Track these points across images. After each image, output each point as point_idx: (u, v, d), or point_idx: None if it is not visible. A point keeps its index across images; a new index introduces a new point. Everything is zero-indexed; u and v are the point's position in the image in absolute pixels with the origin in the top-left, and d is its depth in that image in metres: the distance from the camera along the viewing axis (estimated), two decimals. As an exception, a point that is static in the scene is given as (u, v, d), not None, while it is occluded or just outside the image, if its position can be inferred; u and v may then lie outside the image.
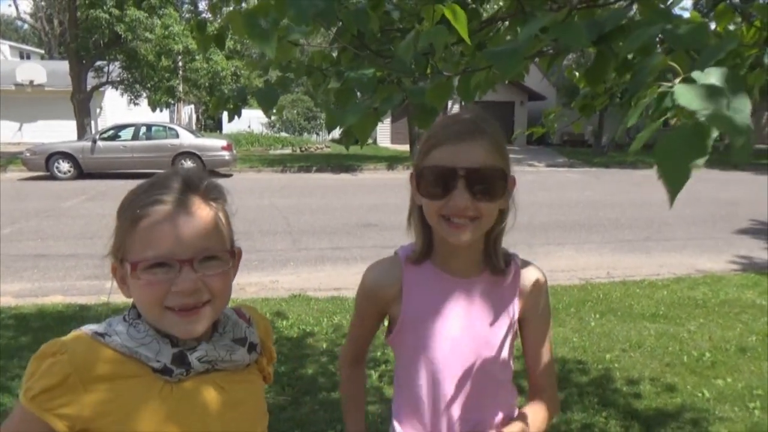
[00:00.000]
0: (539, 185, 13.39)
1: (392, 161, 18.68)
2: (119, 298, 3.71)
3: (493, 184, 1.06)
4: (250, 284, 5.62)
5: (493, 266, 1.18)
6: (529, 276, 1.23)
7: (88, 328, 0.90)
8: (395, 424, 1.25)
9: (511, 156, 1.13)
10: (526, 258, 1.25)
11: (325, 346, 4.07)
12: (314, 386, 3.43)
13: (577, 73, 2.74)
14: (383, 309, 1.23)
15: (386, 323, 1.29)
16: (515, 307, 1.21)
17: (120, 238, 0.90)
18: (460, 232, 1.07)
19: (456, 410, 1.18)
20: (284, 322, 4.51)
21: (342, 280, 5.93)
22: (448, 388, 1.18)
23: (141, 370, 0.87)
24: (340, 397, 1.43)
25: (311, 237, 7.99)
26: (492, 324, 1.19)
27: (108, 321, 0.93)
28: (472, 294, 1.18)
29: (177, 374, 0.88)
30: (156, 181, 0.93)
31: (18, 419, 0.88)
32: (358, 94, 1.63)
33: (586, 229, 8.74)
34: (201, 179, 0.93)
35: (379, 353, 3.92)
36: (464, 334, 1.17)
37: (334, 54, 2.05)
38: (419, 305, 1.17)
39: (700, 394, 3.37)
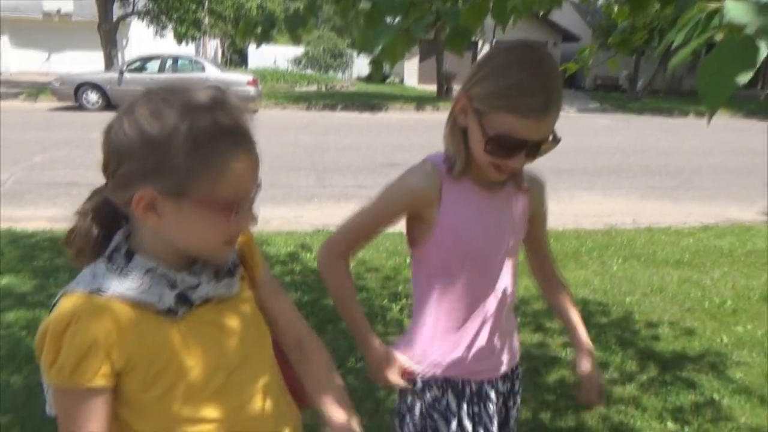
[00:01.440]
0: (569, 130, 13.04)
1: (420, 101, 18.35)
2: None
3: (547, 148, 1.15)
4: (275, 218, 5.70)
5: (516, 182, 1.27)
6: (535, 180, 1.33)
7: (80, 289, 0.85)
8: (421, 338, 1.31)
9: None
10: (551, 203, 1.36)
11: (347, 278, 4.15)
12: (336, 316, 3.52)
13: (616, 8, 2.62)
14: (416, 211, 1.24)
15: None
16: (527, 210, 1.32)
17: (178, 169, 0.82)
18: (502, 176, 1.19)
19: (491, 312, 1.29)
20: (308, 255, 4.60)
21: (365, 217, 5.98)
22: (484, 293, 1.28)
23: (145, 315, 0.86)
24: (336, 296, 1.37)
25: (335, 174, 8.01)
26: (515, 229, 1.31)
27: (89, 274, 0.87)
28: (499, 205, 1.27)
29: (181, 313, 0.88)
30: (220, 113, 0.84)
31: (66, 403, 0.86)
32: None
33: (615, 174, 8.59)
34: (244, 110, 0.90)
35: (401, 287, 4.00)
36: (496, 240, 1.27)
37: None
38: (457, 214, 1.22)
39: (719, 340, 3.38)
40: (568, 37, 25.56)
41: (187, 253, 0.90)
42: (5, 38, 25.15)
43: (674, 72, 24.12)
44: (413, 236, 1.30)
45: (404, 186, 1.24)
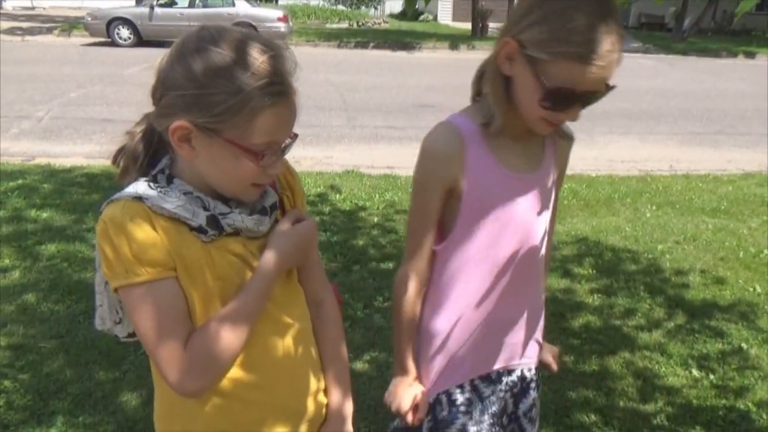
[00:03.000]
0: (608, 71, 12.56)
1: (454, 40, 17.78)
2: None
3: (601, 96, 1.05)
4: (305, 158, 5.70)
5: (559, 132, 1.19)
6: (565, 134, 1.23)
7: (124, 197, 0.89)
8: (438, 317, 1.22)
9: None
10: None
11: (376, 220, 4.17)
12: (364, 256, 3.57)
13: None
14: (450, 184, 1.12)
15: None
16: (551, 203, 1.25)
17: (215, 107, 0.85)
18: (550, 130, 1.11)
19: (513, 291, 1.22)
20: (338, 196, 4.62)
21: (395, 158, 5.94)
22: (508, 276, 1.19)
23: (180, 228, 0.90)
24: (397, 318, 1.23)
25: (366, 114, 7.92)
26: (540, 217, 1.20)
27: (131, 188, 0.91)
28: (526, 189, 1.17)
29: (210, 234, 0.92)
30: (264, 60, 0.86)
31: (143, 298, 0.88)
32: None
33: (654, 119, 8.29)
34: (291, 59, 0.92)
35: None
36: (522, 229, 1.18)
37: None
38: (482, 189, 1.13)
39: (751, 289, 3.33)
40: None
41: (218, 190, 0.94)
42: (37, -29, 25.02)
43: (726, 10, 22.74)
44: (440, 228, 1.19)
45: (424, 157, 1.14)
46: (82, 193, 4.38)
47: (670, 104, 9.39)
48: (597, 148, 6.39)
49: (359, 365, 2.52)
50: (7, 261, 3.27)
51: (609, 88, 1.04)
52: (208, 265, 0.92)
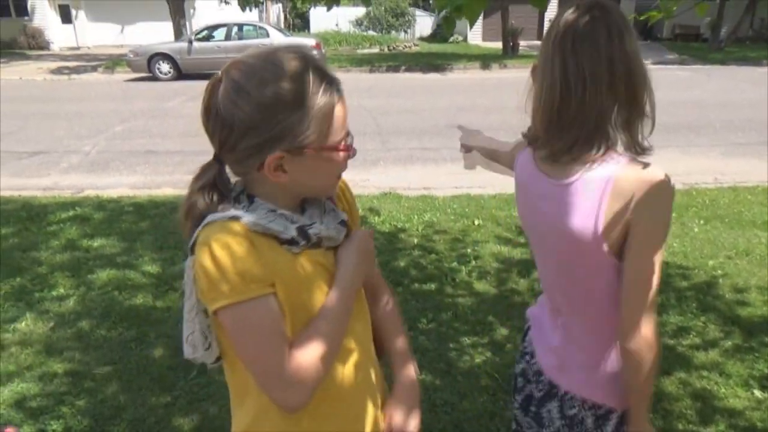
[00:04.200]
0: (644, 84, 12.36)
1: (485, 60, 17.83)
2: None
3: None
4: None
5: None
6: None
7: (216, 217, 0.91)
8: None
9: None
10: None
11: (416, 241, 4.17)
12: (406, 278, 3.57)
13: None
14: None
15: None
16: None
17: (297, 127, 0.89)
18: None
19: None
20: (377, 218, 4.65)
21: (431, 179, 5.95)
22: None
23: (272, 243, 0.94)
24: (651, 370, 1.07)
25: (400, 137, 7.97)
26: None
27: (220, 211, 0.92)
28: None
29: (301, 245, 0.96)
30: (307, 67, 0.91)
31: (246, 317, 0.89)
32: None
33: (693, 130, 8.10)
34: (320, 56, 0.98)
35: (469, 249, 3.99)
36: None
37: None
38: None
39: (812, 305, 3.19)
40: (644, -16, 23.98)
41: (307, 195, 1.01)
42: (82, 14, 26.25)
43: (764, 18, 22.21)
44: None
45: (671, 200, 1.07)
46: (131, 222, 4.52)
47: (709, 115, 9.17)
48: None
49: (406, 388, 2.50)
50: (62, 290, 3.38)
51: None
52: (300, 277, 0.95)
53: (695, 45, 21.51)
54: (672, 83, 12.77)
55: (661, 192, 0.99)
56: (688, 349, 2.78)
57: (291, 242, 0.95)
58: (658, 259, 1.01)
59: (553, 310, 1.25)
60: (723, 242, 4.11)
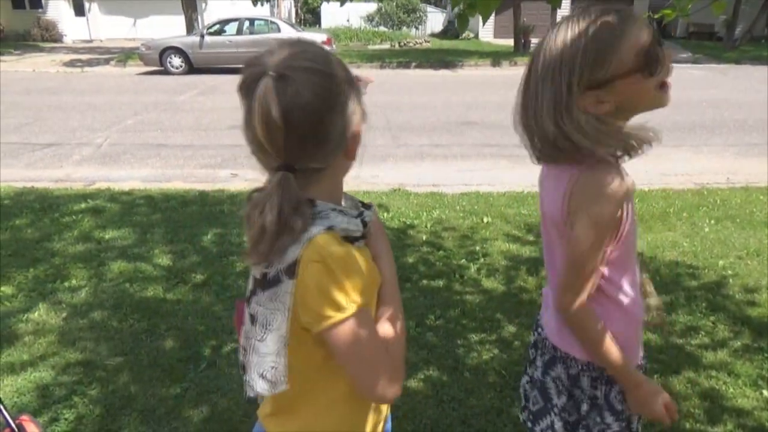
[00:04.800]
0: (656, 83, 12.25)
1: (496, 57, 17.76)
2: (233, 187, 3.95)
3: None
4: (352, 177, 5.74)
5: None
6: None
7: (320, 230, 0.89)
8: None
9: None
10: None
11: (425, 237, 4.18)
12: (415, 274, 3.58)
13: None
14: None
15: None
16: None
17: (336, 129, 0.92)
18: (667, 93, 1.15)
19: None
20: (386, 215, 4.66)
21: (441, 176, 5.95)
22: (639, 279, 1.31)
23: (348, 243, 0.95)
24: (595, 337, 1.21)
25: (410, 134, 7.97)
26: None
27: (320, 216, 0.92)
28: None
29: (361, 241, 0.99)
30: (339, 69, 0.94)
31: (364, 324, 0.91)
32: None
33: (707, 130, 8.04)
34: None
35: (477, 247, 3.99)
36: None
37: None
38: (629, 212, 1.18)
39: (823, 307, 3.16)
40: (658, -19, 23.72)
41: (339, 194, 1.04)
42: (95, 6, 26.40)
43: (780, 16, 21.88)
44: None
45: (618, 194, 1.15)
46: (143, 215, 4.56)
47: (723, 115, 9.09)
48: (649, 161, 6.17)
49: (413, 384, 2.52)
50: (74, 281, 3.42)
51: None
52: (371, 271, 0.98)
53: (709, 44, 21.29)
54: (686, 82, 12.66)
55: (598, 199, 1.09)
56: (697, 349, 2.77)
57: (359, 238, 0.97)
58: (590, 254, 1.14)
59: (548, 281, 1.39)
60: (734, 242, 4.09)
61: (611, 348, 1.21)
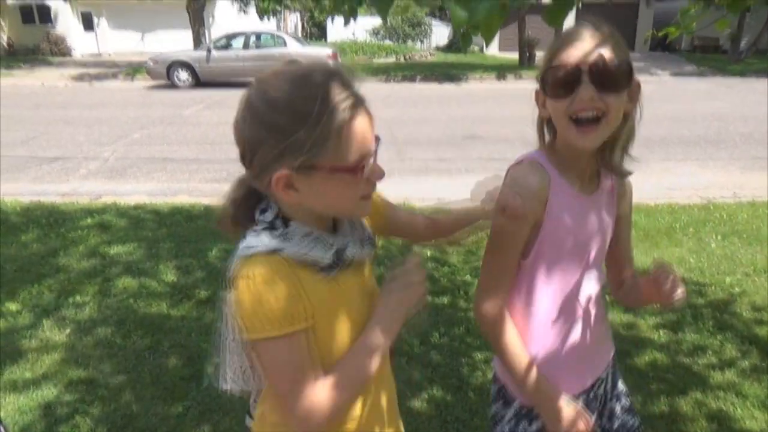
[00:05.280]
0: (661, 96, 12.29)
1: (501, 70, 17.82)
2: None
3: (617, 76, 1.07)
4: (357, 191, 5.78)
5: (607, 176, 1.24)
6: (622, 184, 1.30)
7: (260, 252, 0.91)
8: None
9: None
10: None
11: (429, 253, 4.17)
12: (419, 290, 3.56)
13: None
14: (537, 216, 1.15)
15: None
16: (615, 210, 1.29)
17: (302, 145, 0.87)
18: (587, 134, 1.09)
19: (590, 314, 1.28)
20: (390, 229, 4.65)
21: (446, 190, 5.94)
22: (576, 298, 1.25)
23: (311, 272, 0.93)
24: (506, 352, 1.21)
25: (415, 147, 7.99)
26: (607, 228, 1.28)
27: (258, 241, 0.92)
28: (595, 209, 1.23)
29: (336, 271, 0.96)
30: (324, 82, 0.88)
31: (281, 351, 0.91)
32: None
33: (713, 144, 8.02)
34: (347, 71, 0.94)
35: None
36: (593, 247, 1.24)
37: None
38: (559, 221, 1.16)
39: (832, 325, 3.13)
40: (662, -5, 23.80)
41: (329, 216, 1.00)
42: (104, 21, 26.70)
43: (785, 29, 21.89)
44: None
45: (528, 189, 1.14)
46: (148, 229, 4.57)
47: (729, 128, 9.07)
48: (654, 175, 6.22)
49: (417, 403, 2.50)
50: (78, 297, 3.43)
51: (621, 64, 1.07)
52: (337, 303, 0.97)
53: (714, 56, 21.30)
54: (692, 95, 12.67)
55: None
56: (704, 369, 2.74)
57: (328, 268, 0.95)
58: (491, 258, 1.20)
59: None
60: (741, 258, 4.05)
61: (516, 359, 1.19)
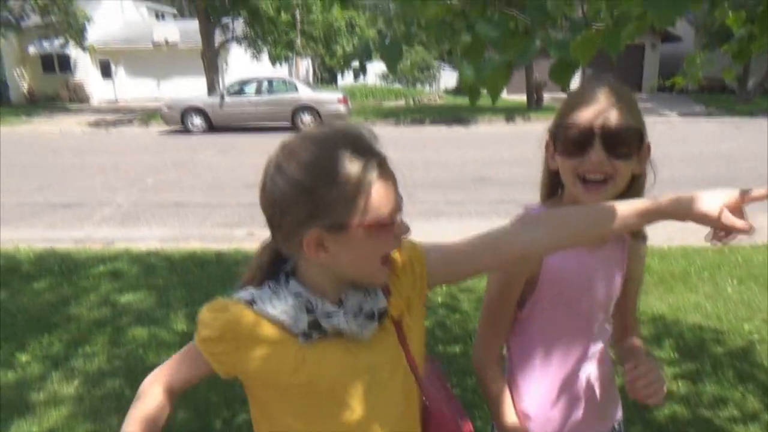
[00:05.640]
0: (670, 137, 12.33)
1: (509, 113, 18.03)
2: (249, 246, 3.97)
3: (628, 142, 1.10)
4: (367, 236, 5.78)
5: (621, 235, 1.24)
6: (634, 245, 1.30)
7: (241, 296, 0.97)
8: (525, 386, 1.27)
9: (639, 105, 1.15)
10: None
11: (440, 299, 4.13)
12: (431, 338, 3.51)
13: (730, 13, 2.44)
14: (532, 272, 1.19)
15: None
16: (624, 267, 1.28)
17: (333, 205, 0.89)
18: (593, 194, 1.11)
19: (594, 371, 1.27)
20: (401, 275, 4.62)
21: (456, 234, 5.88)
22: (584, 352, 1.26)
23: (282, 334, 0.95)
24: (489, 398, 1.29)
25: (425, 190, 8.02)
26: (614, 286, 1.27)
27: (250, 291, 0.98)
28: (601, 264, 1.23)
29: (314, 338, 0.95)
30: (341, 145, 0.91)
31: (188, 353, 1.02)
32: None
33: (724, 185, 7.86)
34: (368, 132, 0.96)
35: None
36: (597, 301, 1.24)
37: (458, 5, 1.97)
38: (557, 276, 1.17)
39: None
40: (668, 37, 24.17)
41: (352, 279, 0.97)
42: (121, 69, 27.53)
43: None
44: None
45: None
46: (160, 276, 4.58)
47: (740, 168, 9.04)
48: (666, 218, 6.15)
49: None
50: (88, 347, 3.41)
51: (632, 131, 1.10)
52: (293, 369, 0.94)
53: (722, 96, 21.44)
54: (700, 136, 12.70)
55: None
56: (727, 422, 2.65)
57: (302, 335, 0.94)
58: (486, 306, 1.27)
59: None
60: (759, 304, 3.97)
61: (495, 406, 1.25)
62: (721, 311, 3.87)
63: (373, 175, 0.90)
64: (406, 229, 0.98)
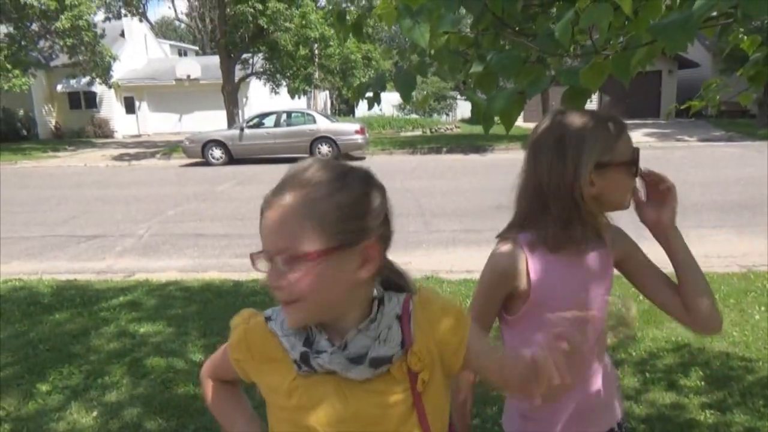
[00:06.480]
0: (690, 161, 12.21)
1: (526, 140, 17.94)
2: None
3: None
4: (385, 265, 5.76)
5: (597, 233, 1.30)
6: (608, 228, 1.34)
7: (265, 311, 1.02)
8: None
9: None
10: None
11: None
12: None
13: (745, 38, 2.44)
14: (510, 288, 1.27)
15: None
16: (611, 259, 1.32)
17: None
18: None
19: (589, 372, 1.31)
20: (419, 303, 4.59)
21: (474, 262, 5.89)
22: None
23: (285, 356, 0.96)
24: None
25: (443, 219, 8.01)
26: (603, 286, 1.31)
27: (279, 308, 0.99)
28: (584, 270, 1.28)
29: (304, 370, 0.95)
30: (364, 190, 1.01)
31: (222, 354, 1.11)
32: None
33: (748, 210, 7.84)
34: (307, 169, 0.94)
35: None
36: (588, 303, 1.28)
37: (471, 35, 2.00)
38: (547, 284, 1.23)
39: None
40: (684, 63, 24.11)
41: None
42: (144, 104, 28.26)
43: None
44: (506, 305, 1.33)
45: (491, 271, 1.30)
46: (178, 307, 4.60)
47: (764, 193, 8.88)
48: (690, 243, 6.00)
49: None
50: (107, 378, 3.43)
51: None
52: (288, 392, 0.96)
53: (742, 121, 21.21)
54: (721, 161, 12.55)
55: (487, 263, 1.32)
56: (759, 455, 2.55)
57: (297, 364, 0.95)
58: (473, 299, 1.34)
59: None
60: (788, 331, 3.86)
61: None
62: (749, 339, 3.77)
63: (385, 206, 1.00)
64: (270, 277, 0.91)
